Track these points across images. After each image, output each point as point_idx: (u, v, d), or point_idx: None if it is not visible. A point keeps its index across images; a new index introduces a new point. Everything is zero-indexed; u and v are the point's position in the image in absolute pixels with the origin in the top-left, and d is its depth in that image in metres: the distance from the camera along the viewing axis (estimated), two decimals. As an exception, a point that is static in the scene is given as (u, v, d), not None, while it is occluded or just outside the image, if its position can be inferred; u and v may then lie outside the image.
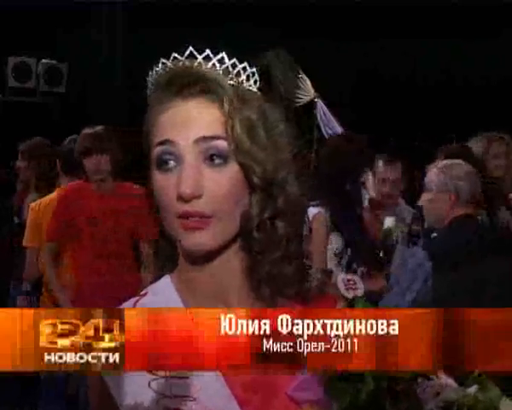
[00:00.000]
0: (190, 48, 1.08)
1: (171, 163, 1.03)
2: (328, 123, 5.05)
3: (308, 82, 5.00)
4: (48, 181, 4.51)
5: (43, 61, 8.61)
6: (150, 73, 1.11)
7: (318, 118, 5.02)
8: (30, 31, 8.17)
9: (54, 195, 4.18)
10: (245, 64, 1.10)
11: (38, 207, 4.12)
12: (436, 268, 2.87)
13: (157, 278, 1.16)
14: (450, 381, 0.85)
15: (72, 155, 4.02)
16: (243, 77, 1.09)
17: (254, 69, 1.10)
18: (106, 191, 3.75)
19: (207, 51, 1.08)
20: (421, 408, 0.83)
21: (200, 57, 1.08)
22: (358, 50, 8.29)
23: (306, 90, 5.01)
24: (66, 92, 8.73)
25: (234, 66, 1.09)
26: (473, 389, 0.84)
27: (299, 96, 5.07)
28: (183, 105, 1.04)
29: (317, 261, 3.37)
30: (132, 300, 1.13)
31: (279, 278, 1.07)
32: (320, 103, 5.05)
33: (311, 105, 4.93)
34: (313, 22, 8.26)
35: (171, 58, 1.09)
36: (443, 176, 3.02)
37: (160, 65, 1.10)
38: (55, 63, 8.63)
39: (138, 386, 1.02)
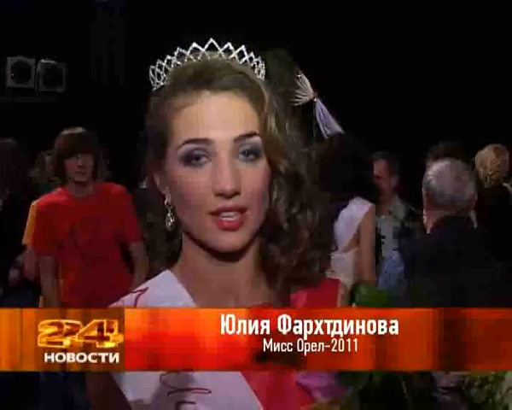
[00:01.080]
0: (211, 40, 1.06)
1: (203, 159, 1.02)
2: (328, 123, 5.06)
3: (307, 82, 5.01)
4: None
5: (43, 61, 8.60)
6: (161, 62, 1.09)
7: (317, 118, 5.03)
8: (29, 30, 8.16)
9: (55, 194, 4.20)
10: (258, 59, 1.10)
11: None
12: (407, 273, 2.80)
13: (155, 273, 1.16)
14: None
15: None
16: (256, 70, 1.09)
17: (259, 59, 1.10)
18: (86, 193, 3.72)
19: (228, 44, 1.07)
20: (436, 388, 0.83)
21: (220, 49, 1.06)
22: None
23: (305, 91, 5.01)
24: (65, 92, 8.72)
25: (251, 59, 1.09)
26: None
27: (298, 96, 5.07)
28: (213, 99, 1.02)
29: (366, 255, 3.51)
30: (133, 295, 1.13)
31: (299, 267, 1.09)
32: (319, 103, 5.06)
33: (310, 105, 4.93)
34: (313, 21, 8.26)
35: (191, 49, 1.07)
36: (425, 176, 2.96)
37: (175, 54, 1.07)
38: (55, 63, 8.62)
39: (148, 380, 1.01)
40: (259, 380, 1.04)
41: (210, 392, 1.03)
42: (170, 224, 1.10)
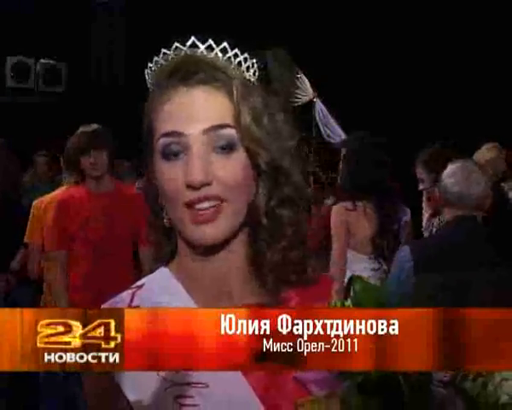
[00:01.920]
0: (192, 37, 1.08)
1: (178, 153, 1.03)
2: (327, 123, 5.06)
3: (307, 82, 5.01)
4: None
5: (42, 60, 8.61)
6: (150, 64, 1.11)
7: (317, 118, 5.03)
8: (28, 30, 8.17)
9: (57, 192, 4.22)
10: (246, 55, 1.11)
11: (40, 205, 4.16)
12: (415, 269, 2.86)
13: (152, 270, 1.16)
14: None
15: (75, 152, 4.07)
16: (244, 67, 1.10)
17: (254, 60, 1.11)
18: (103, 189, 3.76)
19: (210, 41, 1.08)
20: (431, 380, 0.84)
21: (202, 47, 1.08)
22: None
23: (305, 90, 5.02)
24: (64, 92, 8.72)
25: (236, 56, 1.09)
26: None
27: (298, 96, 5.07)
28: (188, 94, 1.05)
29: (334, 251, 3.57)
30: (129, 291, 1.13)
31: (285, 264, 1.08)
32: (319, 103, 5.06)
33: (309, 105, 4.94)
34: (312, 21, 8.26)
35: (173, 48, 1.09)
36: (440, 175, 3.02)
37: (161, 55, 1.10)
38: (54, 63, 8.63)
39: (146, 375, 1.01)
40: (256, 374, 1.05)
41: (208, 386, 1.03)
42: (165, 221, 1.10)
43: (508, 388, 0.83)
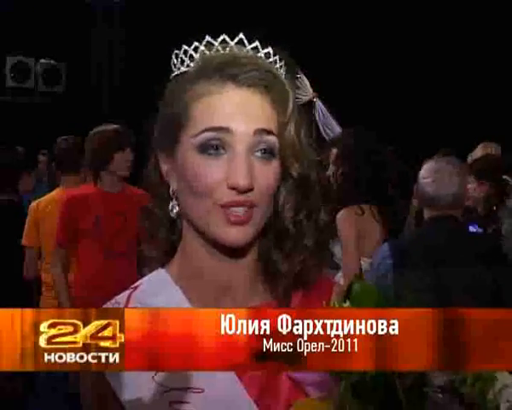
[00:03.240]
0: (241, 35, 1.06)
1: (218, 148, 1.01)
2: (327, 123, 5.05)
3: (306, 82, 5.00)
4: None
5: (42, 60, 8.60)
6: (186, 48, 1.08)
7: (317, 118, 5.03)
8: (28, 30, 8.16)
9: (53, 194, 4.21)
10: (282, 62, 1.10)
11: (37, 207, 4.14)
12: (394, 266, 2.86)
13: (150, 271, 1.16)
14: None
15: (68, 153, 4.07)
16: (282, 73, 1.09)
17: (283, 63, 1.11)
18: (115, 189, 3.77)
19: (257, 42, 1.07)
20: (427, 383, 0.84)
21: (249, 46, 1.06)
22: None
23: (305, 91, 5.01)
24: (64, 92, 8.72)
25: (276, 62, 1.09)
26: None
27: (298, 96, 5.06)
28: (238, 92, 1.02)
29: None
30: (126, 292, 1.13)
31: (302, 273, 1.09)
32: (318, 103, 5.06)
33: (309, 105, 4.93)
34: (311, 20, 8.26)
35: (220, 40, 1.06)
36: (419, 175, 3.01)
37: (204, 43, 1.06)
38: (54, 63, 8.62)
39: (141, 380, 1.02)
40: (252, 377, 1.05)
41: (204, 391, 1.02)
42: (174, 213, 1.09)
43: (507, 395, 0.83)
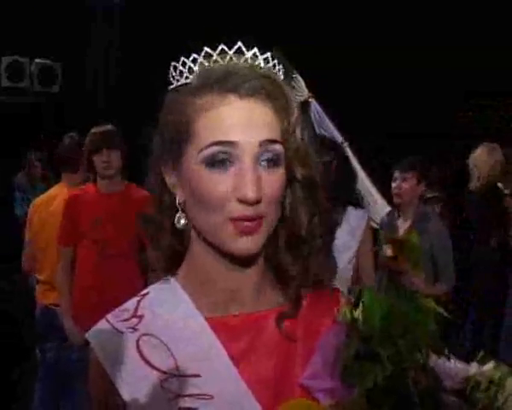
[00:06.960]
0: (239, 43, 1.04)
1: (227, 163, 1.00)
2: (322, 123, 5.05)
3: (302, 82, 5.00)
4: None
5: (37, 60, 8.57)
6: (185, 60, 1.06)
7: (312, 118, 5.02)
8: (23, 30, 8.15)
9: (52, 191, 4.22)
10: (280, 66, 1.09)
11: (35, 203, 4.17)
12: None
13: (158, 278, 1.15)
14: (461, 362, 0.86)
15: (69, 152, 4.08)
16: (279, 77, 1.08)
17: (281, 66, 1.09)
18: (114, 189, 3.77)
19: (255, 49, 1.05)
20: (442, 386, 0.84)
21: (248, 54, 1.04)
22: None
23: (300, 91, 5.01)
24: (59, 92, 8.70)
25: (274, 66, 1.08)
26: (488, 367, 0.86)
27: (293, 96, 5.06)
28: (241, 104, 1.01)
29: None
30: (134, 300, 1.12)
31: (311, 275, 1.10)
32: (314, 104, 5.06)
33: (304, 105, 4.93)
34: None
35: (218, 50, 1.04)
36: None
37: (202, 53, 1.05)
38: (49, 63, 8.59)
39: (149, 386, 1.01)
40: (262, 384, 1.04)
41: (212, 398, 1.02)
42: (182, 224, 1.08)
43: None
